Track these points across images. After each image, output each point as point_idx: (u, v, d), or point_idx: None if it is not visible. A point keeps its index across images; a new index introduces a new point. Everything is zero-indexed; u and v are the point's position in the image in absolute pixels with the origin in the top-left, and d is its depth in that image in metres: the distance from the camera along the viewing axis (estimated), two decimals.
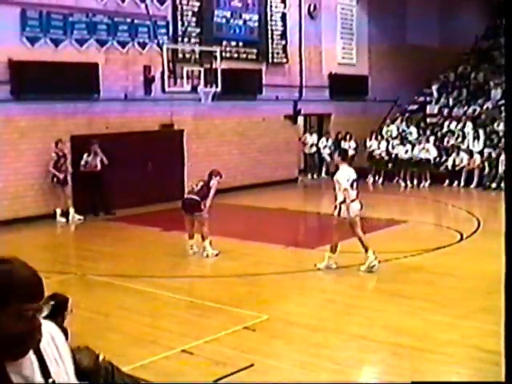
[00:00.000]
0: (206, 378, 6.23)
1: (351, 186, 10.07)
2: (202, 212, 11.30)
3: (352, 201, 10.06)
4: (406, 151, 21.12)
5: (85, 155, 15.28)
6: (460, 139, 21.31)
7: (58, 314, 4.96)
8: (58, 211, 14.98)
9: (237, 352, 6.89)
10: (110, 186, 15.39)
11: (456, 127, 22.12)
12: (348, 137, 21.96)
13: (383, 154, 21.64)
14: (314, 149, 22.25)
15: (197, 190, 11.45)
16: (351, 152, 21.89)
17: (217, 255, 11.32)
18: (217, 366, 6.51)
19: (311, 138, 22.12)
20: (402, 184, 20.70)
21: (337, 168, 10.58)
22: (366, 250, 10.20)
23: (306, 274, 10.33)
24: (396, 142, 21.90)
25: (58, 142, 14.91)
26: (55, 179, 14.92)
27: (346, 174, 10.13)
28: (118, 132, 16.21)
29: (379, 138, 21.94)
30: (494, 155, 19.43)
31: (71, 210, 15.06)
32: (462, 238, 12.58)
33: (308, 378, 6.29)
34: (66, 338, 5.08)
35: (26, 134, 14.74)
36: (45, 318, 4.96)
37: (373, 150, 21.81)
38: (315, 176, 22.38)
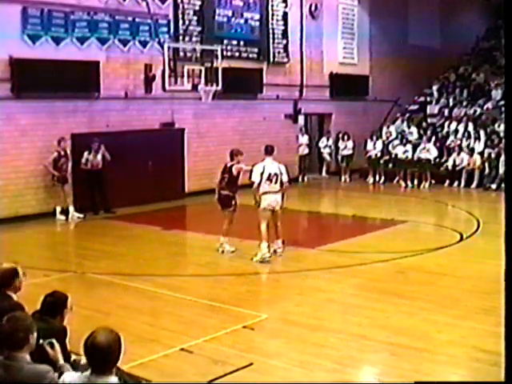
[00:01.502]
0: (205, 376, 6.23)
1: (269, 179, 10.85)
2: (231, 208, 11.33)
3: (266, 193, 10.84)
4: (406, 151, 21.11)
5: (85, 153, 15.27)
6: (460, 140, 21.31)
7: (58, 312, 4.97)
8: (58, 209, 14.97)
9: (236, 351, 6.89)
10: (110, 184, 15.36)
11: (456, 127, 22.12)
12: (346, 137, 21.93)
13: (379, 155, 21.59)
14: (306, 150, 21.89)
15: (225, 185, 11.40)
16: (348, 152, 21.95)
17: (233, 252, 11.37)
18: (216, 365, 6.52)
19: (302, 139, 21.84)
20: (403, 184, 20.70)
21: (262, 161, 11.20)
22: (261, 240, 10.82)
23: (305, 273, 10.34)
24: (396, 142, 21.89)
25: (61, 140, 14.88)
26: (55, 178, 14.90)
27: (260, 167, 10.92)
28: (119, 130, 16.22)
29: (374, 138, 21.86)
30: (494, 156, 19.43)
31: (71, 209, 15.06)
32: (461, 239, 12.58)
33: (307, 378, 6.30)
34: (66, 336, 5.12)
35: (27, 132, 14.74)
36: (44, 315, 4.97)
37: (369, 150, 21.75)
38: (305, 179, 21.94)
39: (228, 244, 11.49)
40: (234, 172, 11.41)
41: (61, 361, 4.43)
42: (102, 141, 15.34)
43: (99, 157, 15.29)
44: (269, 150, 11.20)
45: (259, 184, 10.89)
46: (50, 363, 4.30)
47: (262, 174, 10.90)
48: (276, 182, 10.97)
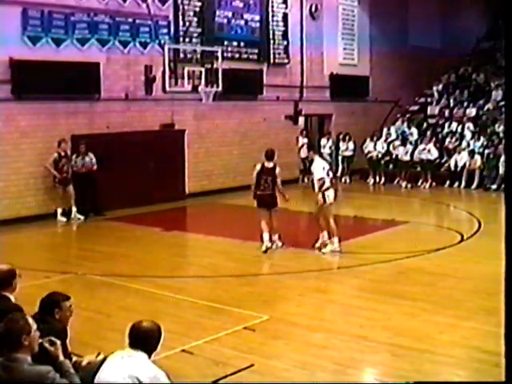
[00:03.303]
0: (206, 378, 6.23)
1: (327, 174, 11.34)
2: (277, 207, 11.69)
3: (328, 188, 11.28)
4: (407, 152, 21.11)
5: (73, 156, 15.22)
6: (461, 140, 21.30)
7: (51, 311, 4.95)
8: (59, 211, 14.97)
9: (237, 352, 6.89)
10: (110, 185, 15.31)
11: (457, 128, 22.11)
12: (347, 138, 21.91)
13: (379, 155, 21.57)
14: (307, 152, 21.69)
15: (270, 185, 11.56)
16: (349, 153, 21.94)
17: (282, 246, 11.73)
18: (217, 366, 6.51)
19: (302, 141, 21.75)
20: (403, 185, 20.69)
21: (311, 161, 11.76)
22: (331, 236, 11.40)
23: (306, 274, 10.33)
24: (397, 142, 21.87)
25: (61, 141, 14.87)
26: (56, 179, 14.90)
27: (321, 165, 11.41)
28: (119, 132, 16.22)
29: (374, 139, 21.83)
30: (494, 156, 19.41)
31: (73, 210, 15.05)
32: (462, 239, 12.58)
33: (308, 379, 6.29)
34: (66, 337, 5.13)
35: (27, 133, 14.74)
36: (42, 316, 4.96)
37: (369, 152, 21.72)
38: (305, 180, 21.83)
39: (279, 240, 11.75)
40: (277, 173, 11.61)
41: (61, 357, 4.44)
42: (103, 142, 15.35)
43: (87, 159, 15.22)
44: (316, 150, 12.06)
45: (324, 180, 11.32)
46: (51, 361, 4.32)
47: (323, 169, 11.36)
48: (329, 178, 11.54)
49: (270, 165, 11.62)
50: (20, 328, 4.10)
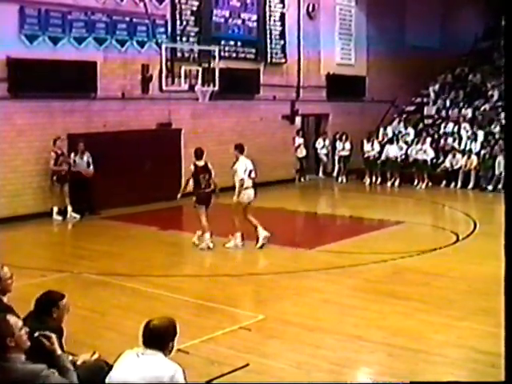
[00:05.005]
0: (202, 377, 6.23)
1: (249, 175, 11.74)
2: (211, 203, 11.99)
3: (247, 188, 11.69)
4: (403, 152, 21.13)
5: (72, 154, 15.22)
6: (457, 140, 21.33)
7: (48, 311, 4.95)
8: (55, 209, 14.96)
9: (233, 351, 6.90)
10: (106, 184, 15.29)
11: (453, 128, 22.14)
12: (344, 137, 21.92)
13: (376, 156, 21.58)
14: (304, 152, 21.81)
15: (208, 183, 11.93)
16: (346, 153, 21.96)
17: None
18: (212, 366, 6.52)
19: (299, 141, 21.76)
20: (397, 184, 20.70)
21: (236, 159, 11.95)
22: (256, 228, 11.68)
23: (302, 274, 10.35)
24: (394, 142, 21.87)
25: (57, 139, 14.87)
26: (55, 177, 14.89)
27: (243, 165, 11.75)
28: (116, 130, 16.21)
29: (371, 139, 21.85)
30: (490, 157, 19.43)
31: (69, 209, 15.04)
32: (458, 240, 12.60)
33: (304, 378, 6.30)
34: (62, 336, 5.12)
35: (24, 132, 14.72)
36: (37, 315, 4.96)
37: (366, 151, 21.73)
38: (302, 180, 21.91)
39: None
40: (211, 169, 12.02)
41: (58, 351, 4.43)
42: (99, 141, 15.34)
43: (85, 158, 15.22)
44: (241, 150, 12.01)
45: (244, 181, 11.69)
46: (48, 356, 4.32)
47: (245, 171, 11.72)
48: (251, 178, 11.88)
49: (201, 163, 11.95)
50: (2, 331, 4.10)
